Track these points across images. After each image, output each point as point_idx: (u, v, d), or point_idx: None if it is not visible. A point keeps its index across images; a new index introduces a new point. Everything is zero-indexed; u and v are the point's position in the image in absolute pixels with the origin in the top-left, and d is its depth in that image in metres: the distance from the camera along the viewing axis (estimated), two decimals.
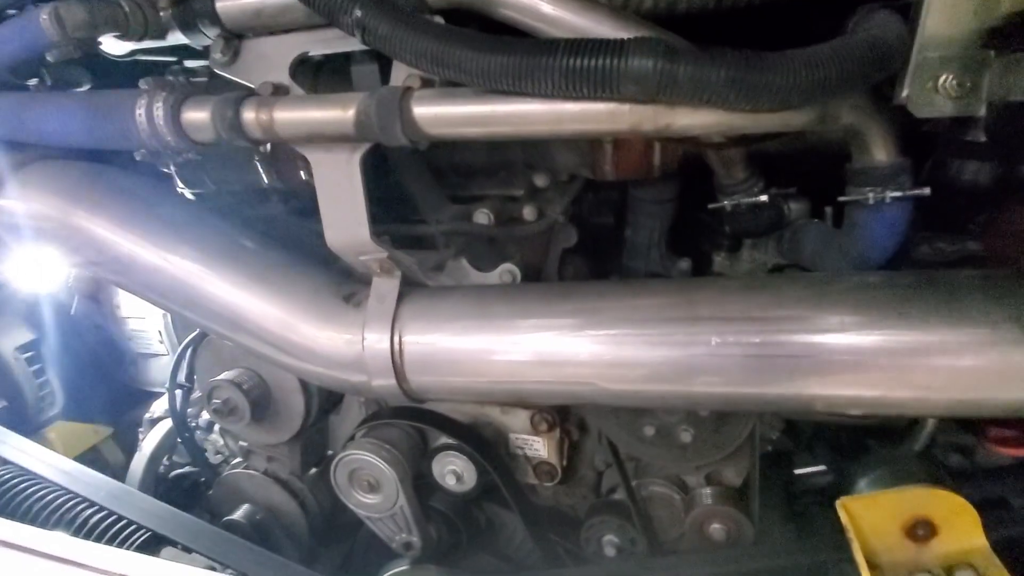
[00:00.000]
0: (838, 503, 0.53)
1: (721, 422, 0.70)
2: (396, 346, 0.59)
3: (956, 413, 0.55)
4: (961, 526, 0.51)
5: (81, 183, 0.63)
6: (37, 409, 1.16)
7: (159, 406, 1.22)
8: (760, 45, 0.43)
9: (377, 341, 0.60)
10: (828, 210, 0.57)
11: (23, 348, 1.14)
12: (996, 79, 0.40)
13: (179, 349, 1.05)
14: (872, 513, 0.52)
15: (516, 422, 0.84)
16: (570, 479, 0.88)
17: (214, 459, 1.14)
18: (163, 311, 1.17)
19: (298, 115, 0.51)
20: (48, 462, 0.81)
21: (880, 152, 0.50)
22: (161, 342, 1.29)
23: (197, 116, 0.52)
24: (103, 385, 1.27)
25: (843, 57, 0.40)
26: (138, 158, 0.59)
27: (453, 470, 0.79)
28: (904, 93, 0.44)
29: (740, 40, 0.43)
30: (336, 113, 0.49)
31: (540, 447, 0.84)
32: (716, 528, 0.78)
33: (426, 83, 0.51)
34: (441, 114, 0.48)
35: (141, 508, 0.72)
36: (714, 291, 0.53)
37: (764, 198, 0.56)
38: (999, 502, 0.61)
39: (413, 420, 0.80)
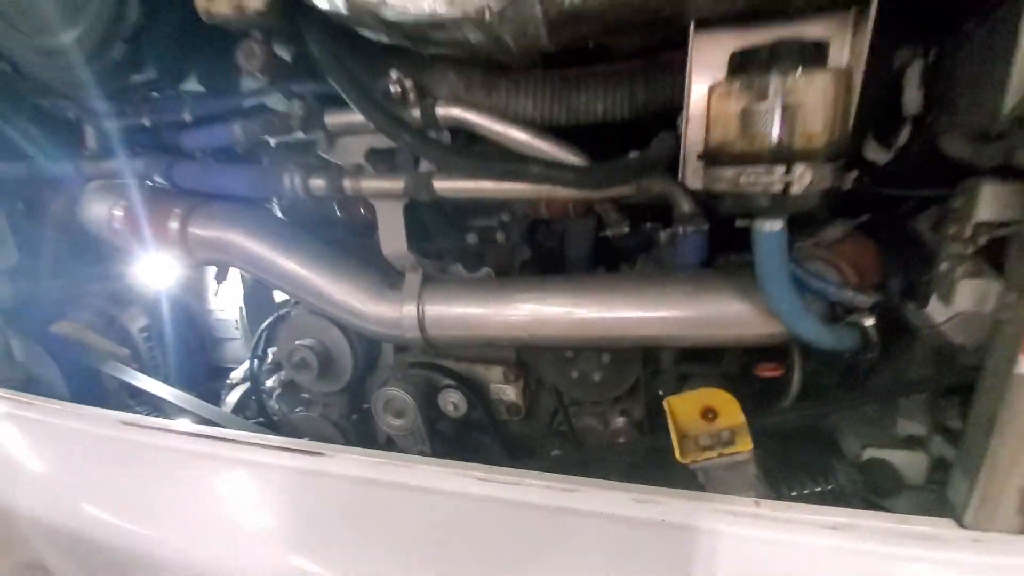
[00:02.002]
0: (664, 401, 0.94)
1: (617, 369, 1.12)
2: (420, 313, 1.02)
3: (711, 342, 0.96)
4: (730, 411, 0.92)
5: (236, 216, 1.07)
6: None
7: (237, 374, 1.65)
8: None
9: (409, 310, 1.03)
10: (663, 235, 1.00)
11: (143, 330, 1.58)
12: (710, 176, 0.82)
13: (260, 329, 1.48)
14: (683, 405, 0.93)
15: (493, 374, 1.25)
16: (530, 415, 1.30)
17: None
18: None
19: (373, 184, 0.95)
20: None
21: (684, 205, 0.92)
22: (236, 329, 1.72)
23: (317, 183, 0.97)
24: (193, 360, 1.70)
25: (628, 166, 0.83)
26: (279, 206, 1.03)
27: (452, 401, 1.21)
28: (682, 175, 0.87)
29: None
30: (393, 184, 0.93)
31: (510, 392, 1.25)
32: (621, 441, 1.20)
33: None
34: (449, 187, 0.92)
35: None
36: (593, 282, 0.97)
37: (627, 230, 0.99)
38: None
39: (426, 370, 1.23)
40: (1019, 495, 0.67)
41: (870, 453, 0.99)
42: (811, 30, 0.71)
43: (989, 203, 0.65)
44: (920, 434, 0.98)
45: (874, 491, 0.96)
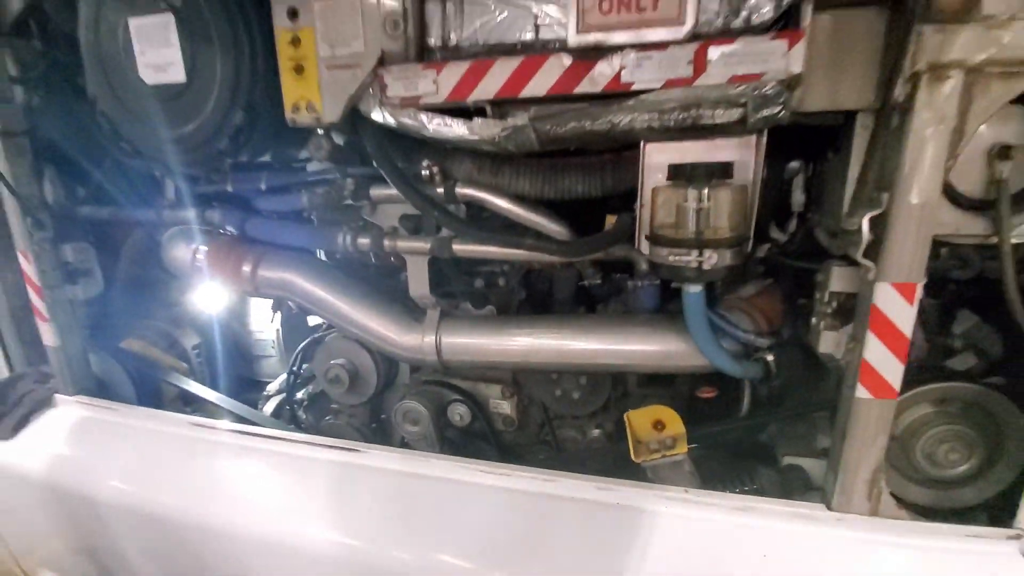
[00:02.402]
0: (625, 415, 1.22)
1: (592, 389, 1.41)
2: (438, 341, 1.31)
3: (661, 369, 1.24)
4: (674, 423, 1.20)
5: (295, 262, 1.37)
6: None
7: (272, 387, 1.92)
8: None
9: (429, 340, 1.31)
10: (628, 284, 1.29)
11: (195, 347, 1.86)
12: (652, 252, 1.11)
13: (298, 350, 1.76)
14: (639, 418, 1.20)
15: (493, 392, 1.53)
16: (522, 426, 1.57)
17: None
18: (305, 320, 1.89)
19: (405, 244, 1.25)
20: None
21: (641, 265, 1.21)
22: (273, 347, 2.00)
23: (364, 241, 1.26)
24: (235, 373, 1.97)
25: (598, 240, 1.13)
26: (325, 253, 1.33)
27: (459, 412, 1.48)
28: (637, 245, 1.16)
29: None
30: (422, 245, 1.23)
31: (506, 407, 1.53)
32: (597, 448, 1.47)
33: None
34: (464, 249, 1.21)
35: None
36: (574, 321, 1.26)
37: (599, 280, 1.28)
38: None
39: (437, 386, 1.51)
40: (865, 487, 0.95)
41: (787, 460, 1.26)
42: (725, 149, 1.01)
43: (838, 279, 0.95)
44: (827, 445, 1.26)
45: (788, 490, 1.23)
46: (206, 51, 1.10)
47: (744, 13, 0.83)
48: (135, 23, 1.12)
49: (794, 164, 1.06)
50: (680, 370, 1.19)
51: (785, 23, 0.83)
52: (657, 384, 1.42)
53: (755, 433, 1.36)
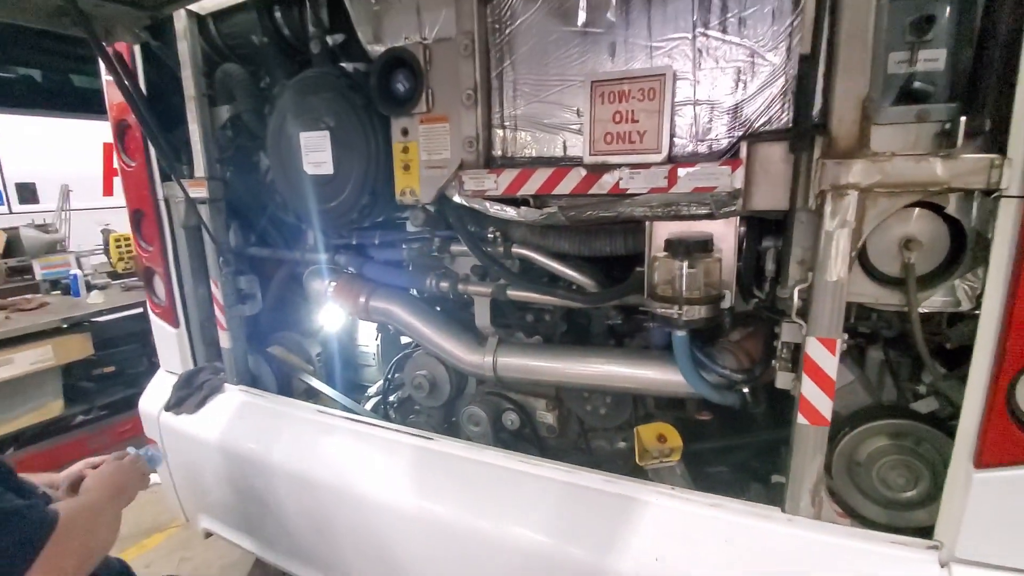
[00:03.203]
0: (636, 428, 1.55)
1: (616, 406, 1.75)
2: (495, 361, 1.73)
3: (662, 393, 1.55)
4: (673, 437, 1.51)
5: (396, 296, 1.86)
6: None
7: (371, 390, 2.44)
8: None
9: (488, 359, 1.73)
10: (646, 325, 1.63)
11: (318, 355, 2.42)
12: (652, 304, 1.46)
13: (392, 362, 2.26)
14: (646, 431, 1.53)
15: (539, 404, 1.91)
16: (562, 435, 1.93)
17: None
18: (398, 339, 2.42)
19: (474, 288, 1.69)
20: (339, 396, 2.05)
21: (653, 310, 1.56)
22: (373, 359, 2.53)
23: (444, 284, 1.72)
24: (344, 377, 2.52)
25: (617, 290, 1.48)
26: (424, 293, 1.81)
27: (511, 419, 1.88)
28: (647, 296, 1.51)
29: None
30: (485, 289, 1.66)
31: (549, 417, 1.91)
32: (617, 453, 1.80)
33: None
34: (516, 295, 1.63)
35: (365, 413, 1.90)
36: (599, 351, 1.62)
37: (620, 320, 1.63)
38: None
39: (496, 397, 1.92)
40: (809, 495, 1.23)
41: (775, 478, 1.53)
42: (711, 227, 1.35)
43: (787, 331, 1.23)
44: None
45: (772, 503, 1.50)
46: (347, 155, 1.63)
47: (707, 143, 1.19)
48: (304, 136, 1.68)
49: (767, 242, 1.36)
50: (676, 395, 1.51)
51: (734, 152, 1.17)
52: (670, 407, 1.73)
53: (746, 451, 1.65)
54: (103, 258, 4.76)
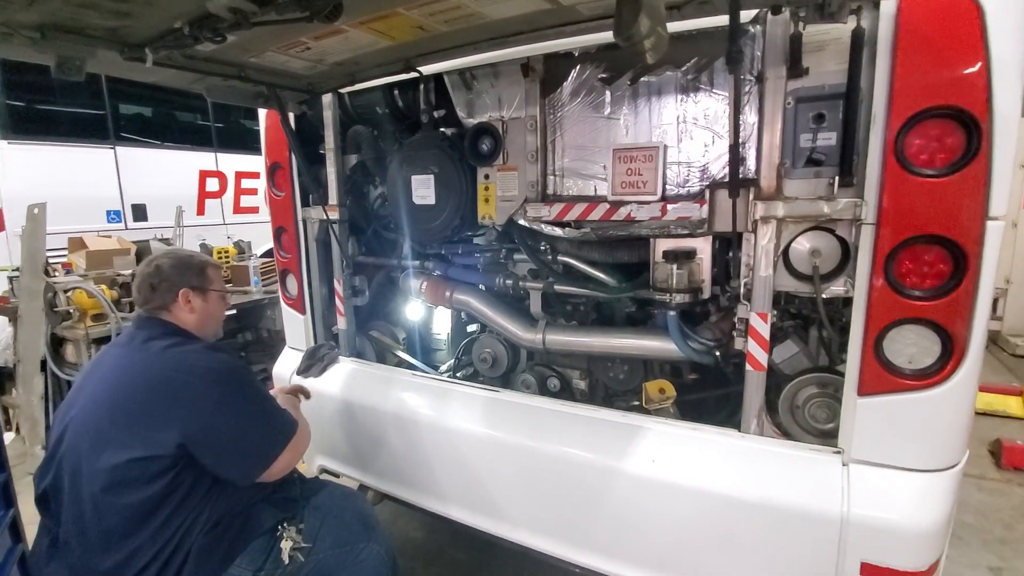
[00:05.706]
0: (644, 384, 2.19)
1: (631, 372, 2.40)
2: (544, 338, 2.41)
3: (661, 358, 2.20)
4: (669, 389, 2.15)
5: (472, 291, 2.58)
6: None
7: (443, 368, 3.16)
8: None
9: (538, 336, 2.41)
10: (655, 312, 2.28)
11: (404, 338, 3.16)
12: (653, 294, 2.12)
13: (461, 344, 2.98)
14: (652, 386, 2.17)
15: (574, 373, 2.58)
16: (591, 396, 2.58)
17: None
18: (465, 328, 3.16)
19: (530, 284, 2.39)
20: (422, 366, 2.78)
21: (658, 300, 2.22)
22: (444, 344, 3.26)
23: (509, 283, 2.43)
24: (421, 357, 3.25)
25: (630, 286, 2.15)
26: (494, 289, 2.52)
27: (553, 383, 2.55)
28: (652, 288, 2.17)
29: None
30: (538, 285, 2.36)
31: (582, 384, 2.58)
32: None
33: None
34: (559, 289, 2.32)
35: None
36: (618, 330, 2.29)
37: (634, 308, 2.30)
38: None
39: (542, 367, 2.60)
40: (755, 420, 1.85)
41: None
42: (694, 242, 2.01)
43: (741, 310, 1.87)
44: None
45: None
46: (446, 191, 2.38)
47: (686, 189, 1.87)
48: (415, 178, 2.44)
49: (730, 252, 2.02)
50: (671, 359, 2.16)
51: (702, 195, 1.85)
52: (671, 373, 2.38)
53: (718, 399, 2.27)
54: None
